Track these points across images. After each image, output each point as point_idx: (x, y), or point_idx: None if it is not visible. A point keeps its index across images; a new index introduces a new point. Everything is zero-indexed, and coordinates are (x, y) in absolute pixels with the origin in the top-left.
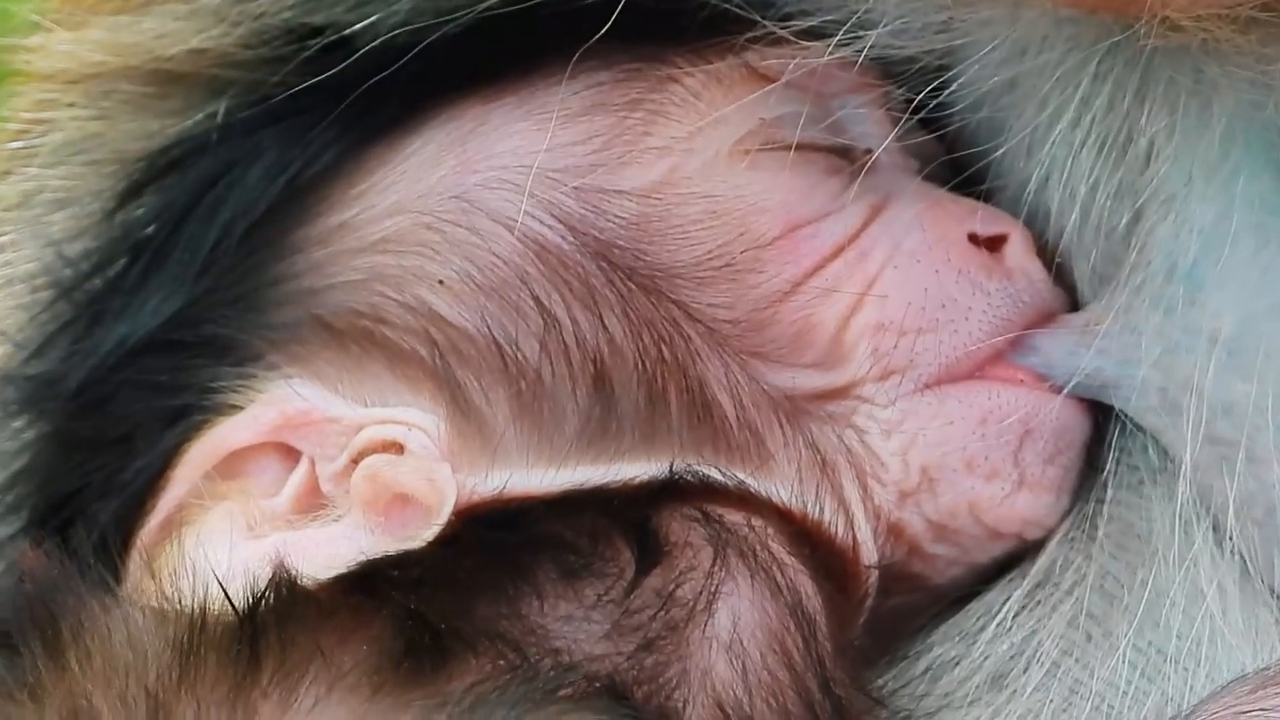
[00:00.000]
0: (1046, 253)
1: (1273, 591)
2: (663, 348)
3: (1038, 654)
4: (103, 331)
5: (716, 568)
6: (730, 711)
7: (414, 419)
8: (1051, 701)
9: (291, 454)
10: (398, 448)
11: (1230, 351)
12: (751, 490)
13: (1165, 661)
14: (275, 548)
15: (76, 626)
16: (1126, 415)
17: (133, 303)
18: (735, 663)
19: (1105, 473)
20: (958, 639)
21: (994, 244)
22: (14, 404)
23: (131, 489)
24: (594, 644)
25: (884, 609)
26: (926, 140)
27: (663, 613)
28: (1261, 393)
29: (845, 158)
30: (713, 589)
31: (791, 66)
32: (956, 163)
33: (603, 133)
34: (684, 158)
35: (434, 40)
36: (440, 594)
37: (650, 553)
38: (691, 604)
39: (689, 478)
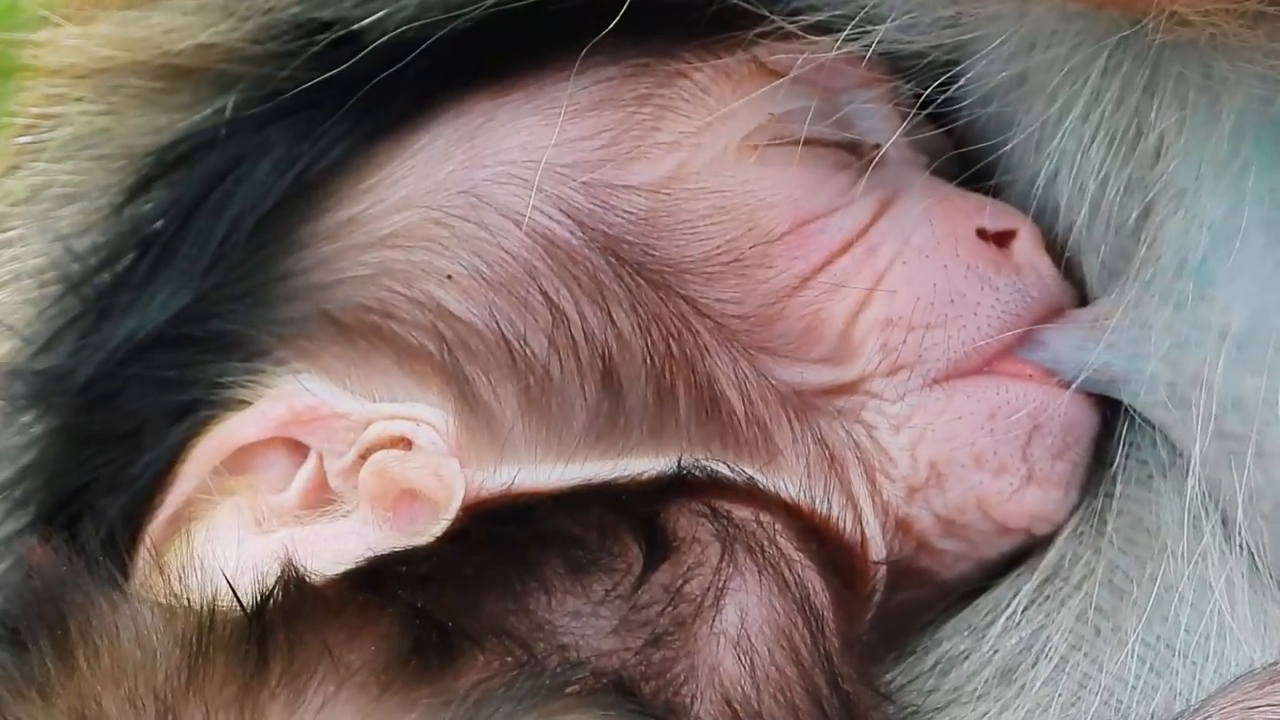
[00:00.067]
0: (1056, 248)
1: None
2: (671, 343)
3: (1046, 648)
4: (111, 326)
5: (724, 563)
6: (738, 707)
7: (422, 414)
8: (1060, 696)
9: (300, 449)
10: (406, 443)
11: (1240, 346)
12: (760, 485)
13: (1174, 656)
14: (283, 543)
15: (85, 624)
16: (1135, 410)
17: (141, 298)
18: (743, 658)
19: (1114, 467)
20: (966, 633)
21: (1002, 239)
22: (22, 399)
23: (139, 484)
24: (601, 639)
25: (892, 604)
26: (935, 135)
27: (670, 608)
28: (1271, 387)
29: (853, 153)
30: (720, 584)
31: (800, 61)
32: (965, 158)
33: (611, 128)
34: (692, 153)
35: (442, 35)
36: (448, 590)
37: (658, 548)
38: (699, 599)
39: (697, 473)
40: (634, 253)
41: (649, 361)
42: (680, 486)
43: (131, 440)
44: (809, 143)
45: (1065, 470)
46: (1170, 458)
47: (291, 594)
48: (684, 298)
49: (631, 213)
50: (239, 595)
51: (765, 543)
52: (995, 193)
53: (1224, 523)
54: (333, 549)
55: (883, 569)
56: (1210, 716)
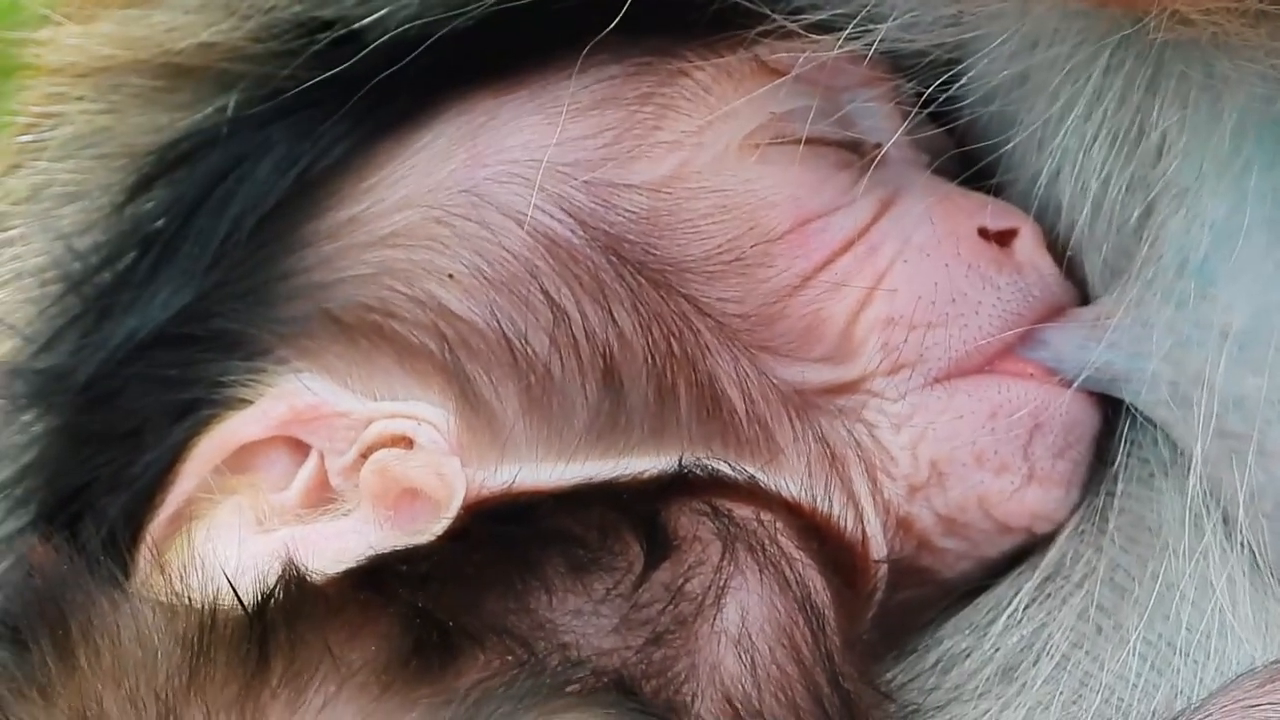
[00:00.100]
0: (1057, 247)
1: None
2: (672, 342)
3: (1048, 646)
4: (112, 325)
5: (725, 562)
6: (739, 706)
7: (423, 413)
8: (1061, 694)
9: (301, 448)
10: (407, 442)
11: (1241, 345)
12: (761, 484)
13: (1175, 654)
14: (284, 542)
15: (86, 624)
16: (1137, 409)
17: (142, 296)
18: (744, 657)
19: (1116, 466)
20: (968, 632)
21: (1004, 238)
22: (23, 398)
23: (140, 483)
24: (602, 638)
25: (893, 603)
26: (936, 134)
27: (671, 607)
28: (1272, 386)
29: (855, 152)
30: (721, 583)
31: (801, 60)
32: (966, 157)
33: (613, 127)
34: (694, 152)
35: (444, 34)
36: (449, 588)
37: (659, 547)
38: (700, 598)
39: (698, 472)
40: (635, 252)
41: (650, 360)
42: (681, 485)
43: (132, 439)
44: (810, 142)
45: (1066, 469)
46: (1172, 456)
47: (293, 593)
48: (685, 296)
49: (633, 212)
50: (240, 594)
51: (766, 541)
52: (997, 191)
53: (1225, 521)
54: (334, 548)
55: (884, 567)
56: (1211, 715)
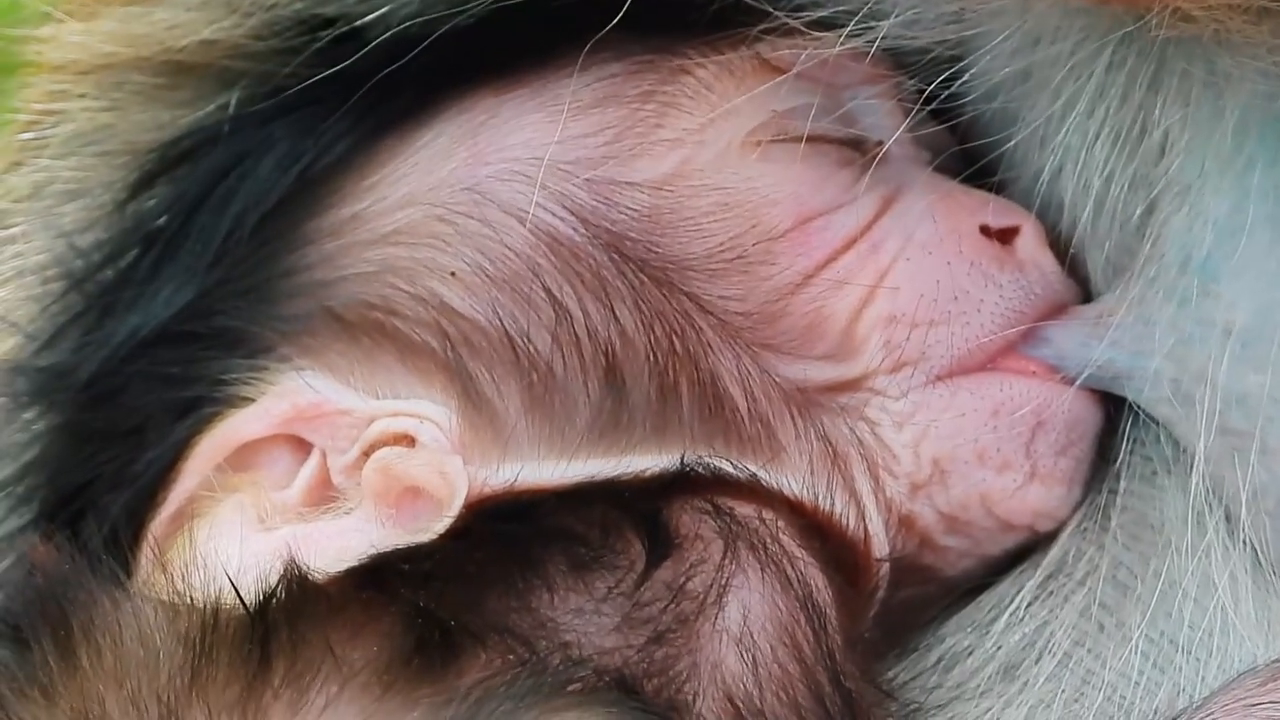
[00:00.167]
0: (1059, 244)
1: None
2: (674, 340)
3: (1050, 644)
4: (114, 323)
5: (727, 560)
6: (740, 704)
7: (425, 411)
8: (1064, 692)
9: (303, 446)
10: (409, 440)
11: (1244, 343)
12: (763, 483)
13: (1177, 652)
14: (286, 540)
15: (87, 623)
16: (1139, 406)
17: (144, 294)
18: (745, 656)
19: (1118, 463)
20: (970, 629)
21: (1006, 236)
22: (25, 395)
23: (142, 481)
24: (604, 637)
25: (895, 601)
26: (938, 131)
27: (673, 605)
28: (1275, 384)
29: (857, 149)
30: (723, 582)
31: (803, 57)
32: (969, 154)
33: (615, 124)
34: (696, 149)
35: (446, 31)
36: (450, 587)
37: (661, 545)
38: (702, 597)
39: (700, 470)
40: (637, 249)
41: (652, 358)
42: (683, 483)
43: (134, 437)
44: (812, 139)
45: (1069, 467)
46: (1174, 454)
47: (294, 592)
48: (687, 294)
49: (635, 209)
50: (242, 594)
51: (768, 540)
52: (999, 189)
53: (1228, 519)
54: (336, 546)
55: (886, 566)
56: (1213, 713)
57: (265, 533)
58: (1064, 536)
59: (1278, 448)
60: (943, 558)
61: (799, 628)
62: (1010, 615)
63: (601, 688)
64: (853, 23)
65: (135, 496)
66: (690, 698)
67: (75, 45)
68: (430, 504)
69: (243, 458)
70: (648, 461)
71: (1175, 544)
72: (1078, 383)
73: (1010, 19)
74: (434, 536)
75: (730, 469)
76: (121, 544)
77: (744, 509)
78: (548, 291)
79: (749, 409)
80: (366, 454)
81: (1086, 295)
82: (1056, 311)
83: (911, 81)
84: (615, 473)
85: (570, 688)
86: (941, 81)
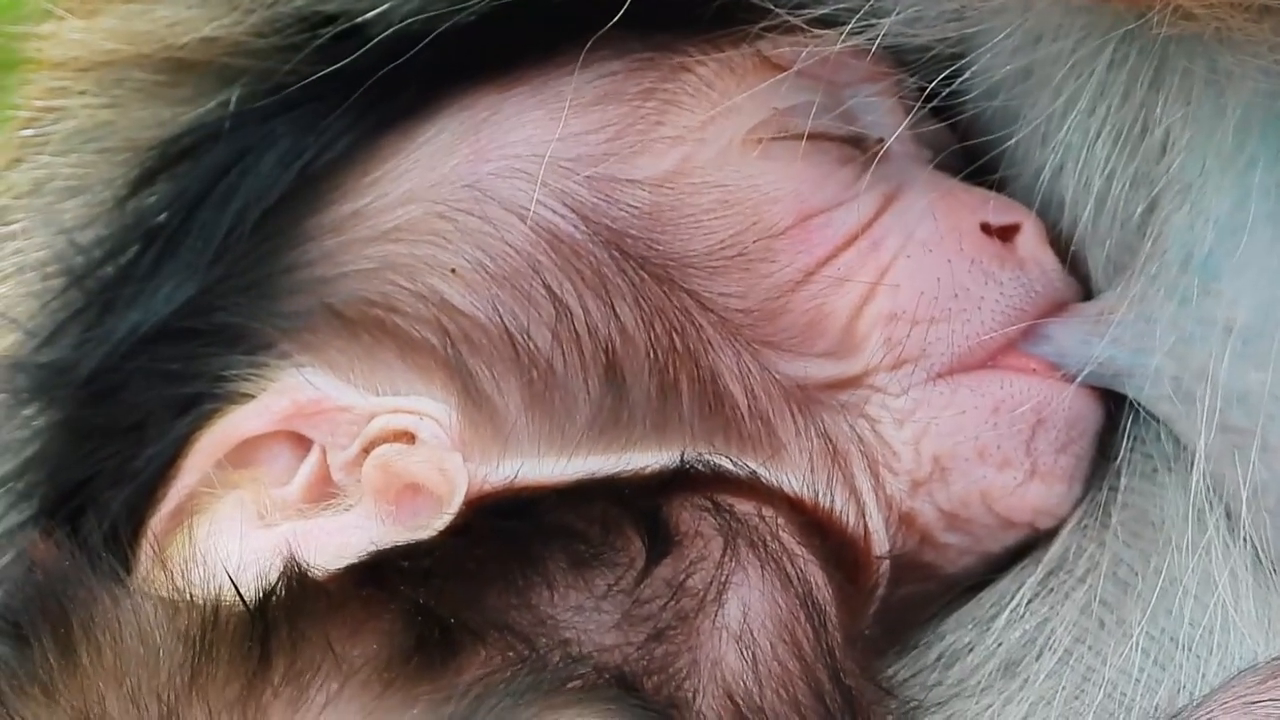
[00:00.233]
0: (1060, 242)
1: None
2: (675, 337)
3: (1050, 642)
4: (114, 319)
5: (727, 558)
6: (740, 702)
7: (425, 408)
8: (1064, 688)
9: (303, 443)
10: (409, 437)
11: (1245, 341)
12: (763, 480)
13: (1178, 649)
14: (286, 537)
15: (87, 620)
16: (1140, 404)
17: (145, 290)
18: (745, 653)
19: (1118, 461)
20: (971, 626)
21: (1006, 233)
22: (25, 391)
23: (142, 477)
24: (604, 634)
25: (895, 598)
26: (939, 129)
27: (673, 603)
28: (1276, 381)
29: (858, 147)
30: (723, 579)
31: (804, 55)
32: (970, 151)
33: (616, 122)
34: (697, 147)
35: (447, 29)
36: (450, 584)
37: (661, 542)
38: (702, 594)
39: (700, 467)
40: (638, 247)
41: (652, 355)
42: (683, 481)
43: (135, 433)
44: (813, 137)
45: (1069, 464)
46: (1175, 452)
47: (294, 589)
48: (688, 292)
49: (635, 207)
50: (242, 591)
51: (768, 537)
52: (1000, 187)
53: (1228, 516)
54: (335, 543)
55: (886, 563)
56: (1213, 710)
57: (265, 529)
58: (1064, 533)
59: (1278, 445)
60: (943, 555)
61: (799, 625)
62: (1011, 612)
63: (601, 685)
64: (854, 20)
65: (135, 493)
66: (690, 695)
67: (76, 42)
68: (430, 501)
69: (243, 454)
70: (648, 458)
71: (1176, 541)
72: (1078, 380)
73: (1011, 16)
74: (434, 533)
75: (730, 466)
76: (121, 541)
77: (744, 506)
78: (548, 288)
79: (749, 406)
80: (366, 451)
81: (1087, 293)
82: (1057, 309)
83: (912, 79)
84: (615, 470)
85: (570, 685)
86: (942, 79)
